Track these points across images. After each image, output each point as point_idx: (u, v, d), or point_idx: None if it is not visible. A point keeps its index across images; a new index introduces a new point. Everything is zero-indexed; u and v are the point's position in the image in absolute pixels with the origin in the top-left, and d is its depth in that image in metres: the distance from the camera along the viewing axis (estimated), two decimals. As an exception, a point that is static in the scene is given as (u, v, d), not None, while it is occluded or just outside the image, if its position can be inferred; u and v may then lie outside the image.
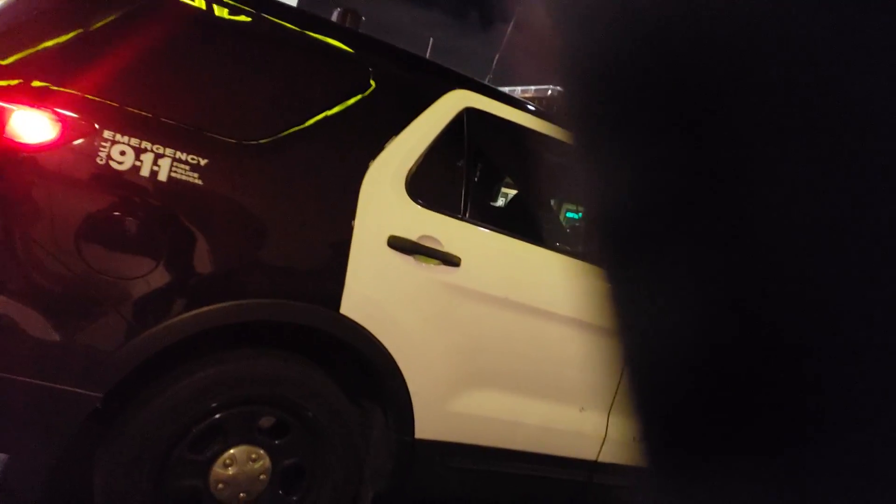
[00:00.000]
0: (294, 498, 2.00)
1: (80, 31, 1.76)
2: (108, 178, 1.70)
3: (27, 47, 1.71)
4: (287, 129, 1.94)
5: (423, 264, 2.05)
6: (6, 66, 1.68)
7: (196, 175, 1.79)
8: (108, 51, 1.78)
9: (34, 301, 1.68)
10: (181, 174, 1.77)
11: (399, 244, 2.02)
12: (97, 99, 1.73)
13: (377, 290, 2.00)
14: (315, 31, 2.09)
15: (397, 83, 2.17)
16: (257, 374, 1.91)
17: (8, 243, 1.65)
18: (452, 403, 2.15)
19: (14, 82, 1.67)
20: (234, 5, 1.95)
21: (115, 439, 1.80)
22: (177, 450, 1.83)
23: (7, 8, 1.90)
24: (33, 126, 1.66)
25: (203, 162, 1.79)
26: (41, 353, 1.68)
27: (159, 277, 1.76)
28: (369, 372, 2.05)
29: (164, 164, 1.75)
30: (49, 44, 1.73)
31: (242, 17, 1.97)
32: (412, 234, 2.04)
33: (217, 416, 1.88)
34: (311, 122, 1.98)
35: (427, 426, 2.11)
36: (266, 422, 1.97)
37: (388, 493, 2.15)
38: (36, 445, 1.77)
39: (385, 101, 2.12)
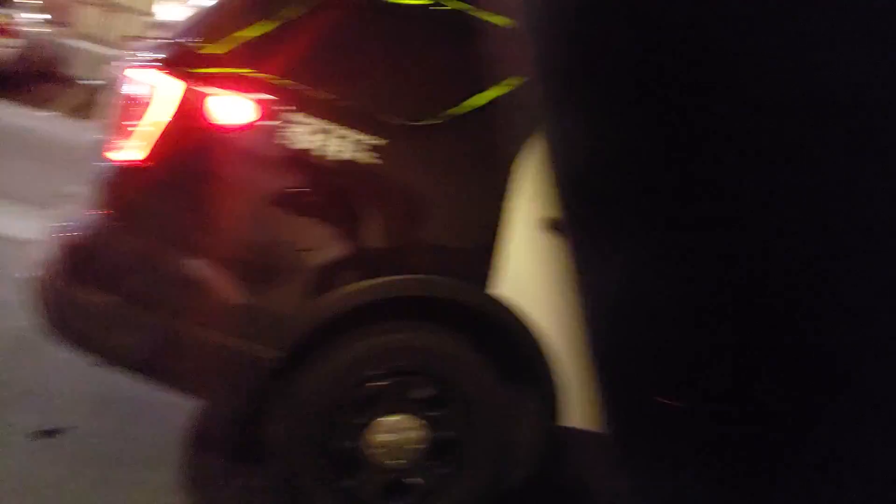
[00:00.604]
0: (444, 471, 2.07)
1: (275, 22, 1.95)
2: (297, 157, 1.87)
3: (232, 37, 1.92)
4: (452, 110, 2.00)
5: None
6: (215, 55, 1.90)
7: (373, 154, 1.90)
8: (298, 39, 1.95)
9: (228, 265, 1.88)
10: (360, 154, 1.90)
11: (551, 225, 2.01)
12: (290, 84, 1.90)
13: (528, 270, 2.01)
14: (481, 10, 2.12)
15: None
16: (413, 347, 2.00)
17: (208, 213, 1.88)
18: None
19: (220, 70, 1.89)
20: None
21: (287, 397, 1.98)
22: (339, 412, 1.97)
23: (216, 5, 2.15)
24: (236, 109, 1.86)
25: (379, 142, 1.91)
26: (233, 314, 1.89)
27: (333, 250, 1.91)
28: (518, 353, 2.06)
29: (347, 144, 1.89)
30: (249, 34, 1.93)
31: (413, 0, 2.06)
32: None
33: (378, 383, 1.99)
34: (473, 102, 2.03)
35: (575, 413, 2.08)
36: (425, 393, 2.05)
37: (532, 478, 2.16)
38: (227, 395, 2.00)
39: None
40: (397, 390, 2.01)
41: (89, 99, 10.33)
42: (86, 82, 11.75)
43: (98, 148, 2.15)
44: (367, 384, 1.99)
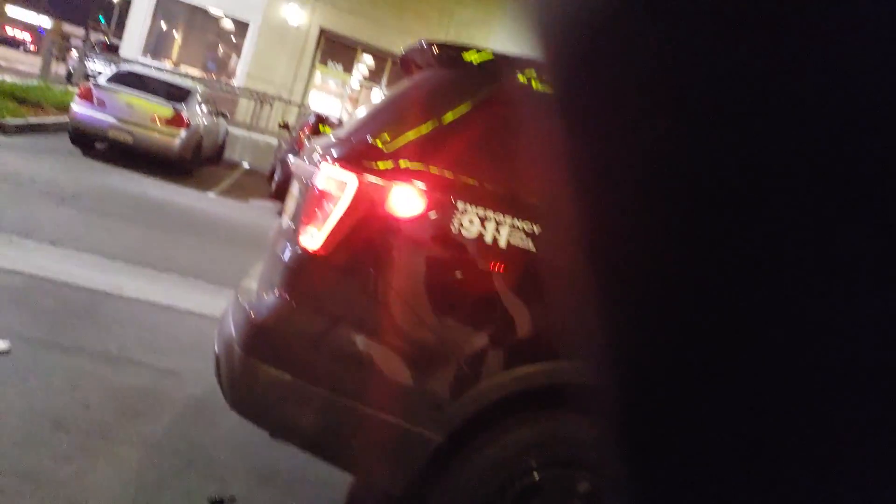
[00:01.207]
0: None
1: (442, 119, 2.07)
2: (463, 245, 1.94)
3: (403, 133, 2.06)
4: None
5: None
6: (389, 151, 2.05)
7: (531, 242, 1.94)
8: (464, 133, 2.06)
9: (397, 349, 1.96)
10: (519, 241, 1.94)
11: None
12: (453, 175, 2.00)
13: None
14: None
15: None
16: (574, 438, 1.96)
17: (380, 298, 1.97)
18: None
19: (395, 165, 2.02)
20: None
21: (446, 483, 1.98)
22: (500, 501, 1.95)
23: (386, 104, 2.33)
24: (407, 200, 1.98)
25: (535, 229, 1.94)
26: (399, 396, 1.95)
27: (497, 335, 1.93)
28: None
29: (505, 232, 1.94)
30: (418, 130, 2.06)
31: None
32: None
33: (536, 475, 1.96)
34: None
35: None
36: (584, 487, 1.99)
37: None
38: (387, 476, 2.04)
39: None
40: (559, 483, 1.96)
41: (247, 181, 11.34)
42: (244, 166, 12.94)
43: (278, 233, 2.35)
44: (527, 476, 1.96)
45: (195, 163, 9.82)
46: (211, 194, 9.05)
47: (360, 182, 1.98)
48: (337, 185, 2.01)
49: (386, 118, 2.22)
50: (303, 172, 2.30)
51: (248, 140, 14.41)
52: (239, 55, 19.68)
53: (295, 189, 2.39)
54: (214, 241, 6.54)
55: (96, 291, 4.01)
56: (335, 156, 2.08)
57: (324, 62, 21.08)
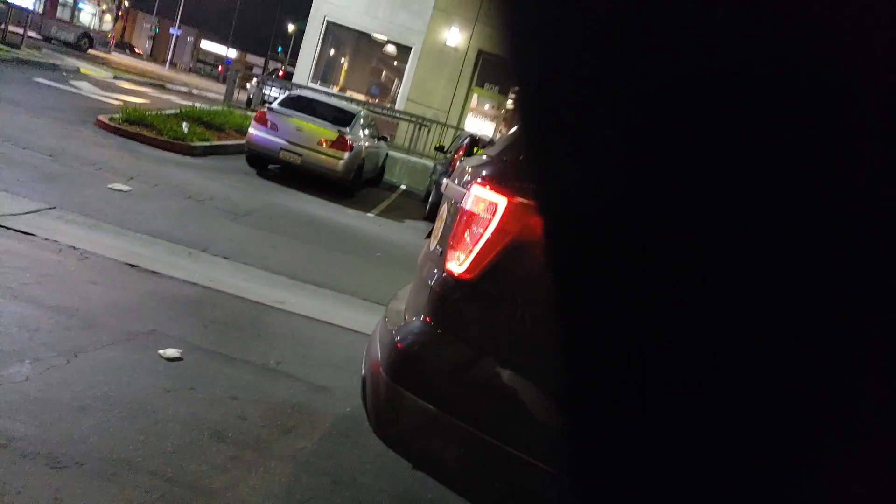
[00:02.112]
0: None
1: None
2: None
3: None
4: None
5: None
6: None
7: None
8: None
9: (544, 384, 1.81)
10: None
11: None
12: None
13: None
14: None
15: None
16: None
17: (532, 331, 1.84)
18: None
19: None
20: None
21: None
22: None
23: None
24: (558, 225, 1.84)
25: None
26: (544, 435, 1.80)
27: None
28: None
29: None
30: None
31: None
32: None
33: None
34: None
35: None
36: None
37: None
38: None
39: None
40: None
41: (404, 203, 11.72)
42: (401, 188, 13.40)
43: (425, 256, 2.29)
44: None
45: (357, 184, 10.29)
46: (370, 214, 9.42)
47: (510, 203, 1.87)
48: (486, 206, 1.91)
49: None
50: (452, 194, 2.23)
51: (406, 163, 14.93)
52: (401, 80, 20.55)
53: (443, 211, 2.33)
54: (371, 259, 6.76)
55: (261, 304, 4.24)
56: (484, 176, 1.99)
57: (480, 84, 21.43)
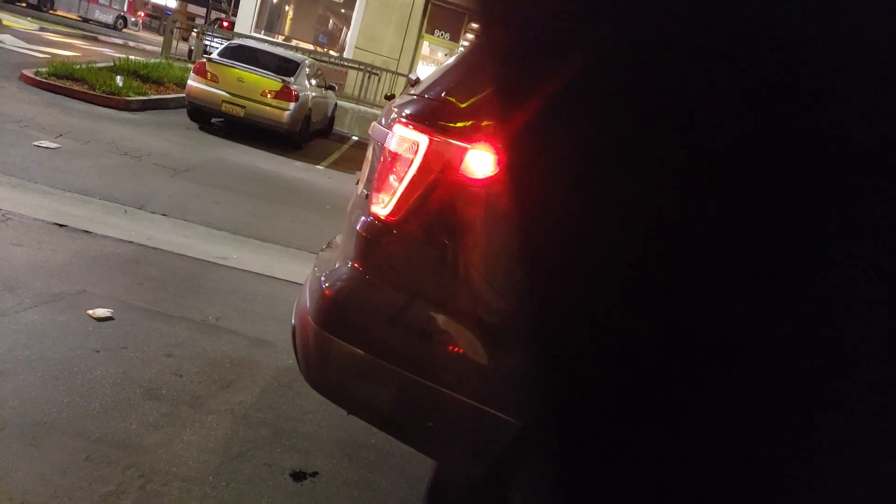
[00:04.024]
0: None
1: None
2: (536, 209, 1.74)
3: (476, 91, 1.87)
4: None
5: None
6: (463, 109, 1.86)
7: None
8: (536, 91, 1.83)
9: (475, 325, 1.79)
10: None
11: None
12: (526, 135, 1.78)
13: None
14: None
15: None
16: None
17: (457, 269, 1.81)
18: None
19: (469, 124, 1.83)
20: None
21: (529, 469, 1.81)
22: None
23: (461, 60, 2.13)
24: (481, 162, 1.79)
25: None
26: (476, 376, 1.79)
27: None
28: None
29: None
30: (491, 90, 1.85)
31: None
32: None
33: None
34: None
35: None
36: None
37: None
38: (465, 460, 1.90)
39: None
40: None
41: (356, 154, 11.51)
42: (352, 138, 13.16)
43: (356, 200, 2.23)
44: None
45: (304, 136, 10.04)
46: (319, 167, 9.22)
47: (433, 142, 1.81)
48: (408, 145, 1.85)
49: (464, 75, 2.03)
50: (376, 135, 2.16)
51: (356, 112, 14.63)
52: (349, 27, 19.97)
53: (369, 153, 2.26)
54: (320, 212, 6.64)
55: (199, 261, 4.13)
56: (406, 115, 1.92)
57: (431, 32, 20.98)
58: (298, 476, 2.28)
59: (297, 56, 10.99)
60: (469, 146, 1.79)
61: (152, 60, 12.81)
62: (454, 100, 1.91)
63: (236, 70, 9.08)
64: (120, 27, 29.71)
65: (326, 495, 2.23)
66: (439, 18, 21.12)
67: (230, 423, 2.48)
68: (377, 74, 16.91)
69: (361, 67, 16.94)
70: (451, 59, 2.31)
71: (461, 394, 1.79)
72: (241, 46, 10.04)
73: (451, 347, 1.81)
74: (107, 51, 16.54)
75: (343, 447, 2.53)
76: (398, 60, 18.96)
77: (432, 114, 1.91)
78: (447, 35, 21.07)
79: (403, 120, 1.92)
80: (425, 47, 21.04)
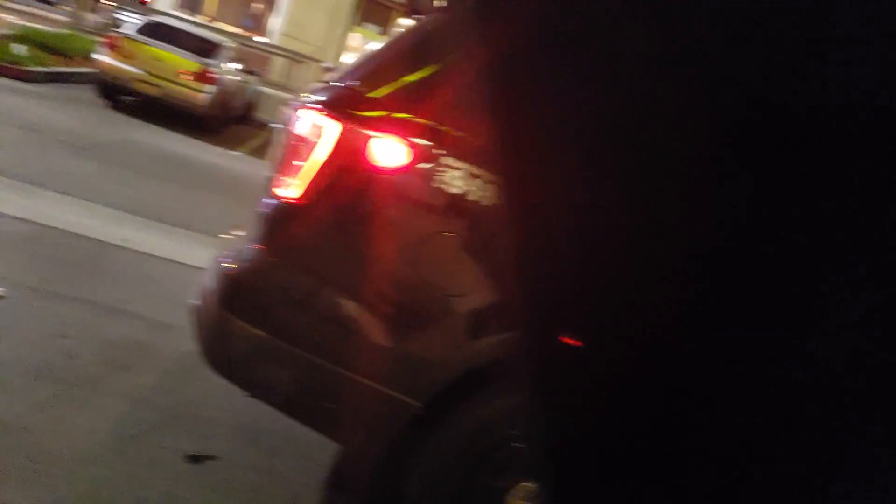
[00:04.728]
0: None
1: (433, 68, 1.91)
2: (449, 201, 1.80)
3: (391, 81, 1.92)
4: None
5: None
6: (373, 98, 1.90)
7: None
8: (454, 85, 1.90)
9: (376, 308, 1.84)
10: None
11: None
12: (444, 128, 1.85)
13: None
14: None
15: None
16: None
17: (360, 254, 1.85)
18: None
19: (379, 113, 1.88)
20: None
21: (428, 449, 1.88)
22: (478, 472, 1.84)
23: (378, 51, 2.18)
24: (391, 151, 1.84)
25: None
26: (377, 357, 1.84)
27: (481, 298, 1.80)
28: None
29: (492, 189, 1.79)
30: (407, 79, 1.91)
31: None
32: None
33: (516, 444, 1.84)
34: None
35: None
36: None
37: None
38: (365, 441, 1.95)
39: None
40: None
41: (274, 141, 11.29)
42: (272, 125, 12.90)
43: (265, 184, 2.23)
44: (509, 444, 1.84)
45: (223, 120, 9.77)
46: (237, 153, 9.00)
47: (342, 129, 1.84)
48: (317, 131, 1.87)
49: (377, 64, 2.07)
50: (287, 120, 2.17)
51: (280, 100, 14.35)
52: (276, 13, 19.54)
53: (279, 137, 2.27)
54: (234, 199, 6.49)
55: (102, 243, 3.98)
56: (316, 101, 1.94)
57: (361, 24, 20.84)
58: (196, 459, 2.26)
59: (219, 38, 10.68)
60: (379, 135, 1.84)
61: (63, 31, 12.14)
62: (367, 90, 1.94)
63: (153, 48, 8.74)
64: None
65: (224, 478, 2.22)
66: (370, 11, 20.98)
67: (126, 405, 2.43)
68: (304, 62, 16.64)
69: (287, 55, 16.63)
70: (369, 50, 2.34)
71: (361, 375, 1.84)
72: (159, 24, 9.67)
73: (351, 330, 1.85)
74: (11, 18, 15.53)
75: (245, 432, 2.52)
76: (326, 50, 18.71)
77: (343, 102, 1.94)
78: (378, 28, 20.97)
79: (314, 106, 1.94)
80: (355, 39, 20.85)
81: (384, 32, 20.81)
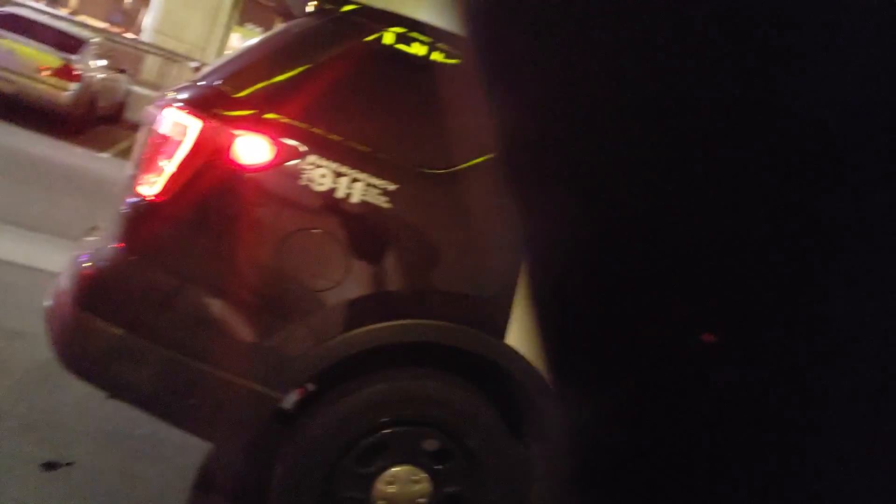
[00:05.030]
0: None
1: (298, 68, 1.98)
2: (312, 199, 1.87)
3: (255, 81, 1.96)
4: (469, 161, 1.98)
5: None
6: (238, 98, 1.94)
7: (385, 199, 1.89)
8: (319, 85, 1.98)
9: (238, 304, 1.87)
10: (372, 198, 1.88)
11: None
12: (309, 128, 1.91)
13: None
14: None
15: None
16: (424, 396, 1.94)
17: (221, 251, 1.88)
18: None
19: (242, 112, 1.92)
20: (426, 41, 2.05)
21: (292, 442, 1.93)
22: (345, 460, 1.91)
23: (244, 51, 2.21)
24: (254, 150, 1.88)
25: (392, 187, 1.89)
26: (240, 353, 1.87)
27: (343, 292, 1.88)
28: (532, 407, 1.98)
29: (358, 187, 1.88)
30: (272, 79, 1.96)
31: (435, 56, 2.06)
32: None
33: (384, 432, 1.93)
34: (492, 154, 2.00)
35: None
36: (431, 445, 1.98)
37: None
38: (230, 436, 1.97)
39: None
40: (407, 441, 1.95)
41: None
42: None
43: (126, 183, 2.20)
44: (375, 433, 1.93)
45: (89, 120, 9.22)
46: (104, 154, 8.53)
47: (204, 127, 1.87)
48: (180, 130, 1.89)
49: (243, 65, 2.11)
50: (149, 118, 2.16)
51: (153, 100, 13.70)
52: (149, 10, 18.63)
53: (141, 136, 2.24)
54: (96, 202, 6.16)
55: (-54, 247, 3.69)
56: (179, 99, 1.95)
57: (241, 24, 20.29)
58: (51, 466, 2.18)
59: (84, 33, 10.07)
60: (242, 134, 1.88)
61: None
62: (231, 89, 1.98)
63: (7, 41, 8.12)
64: None
65: (82, 483, 2.16)
66: (251, 12, 20.45)
67: (-28, 416, 2.29)
68: (179, 62, 15.97)
69: (160, 53, 15.90)
70: (237, 50, 2.36)
71: (224, 371, 1.86)
72: (15, 16, 8.99)
73: (213, 326, 1.87)
74: None
75: (106, 438, 2.45)
76: (205, 50, 18.05)
77: (206, 100, 1.96)
78: (259, 28, 20.48)
79: (177, 104, 1.95)
80: (235, 39, 20.26)
81: (266, 33, 20.36)
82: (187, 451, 2.53)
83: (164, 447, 2.52)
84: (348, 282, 1.89)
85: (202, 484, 2.39)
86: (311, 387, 2.02)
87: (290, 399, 2.03)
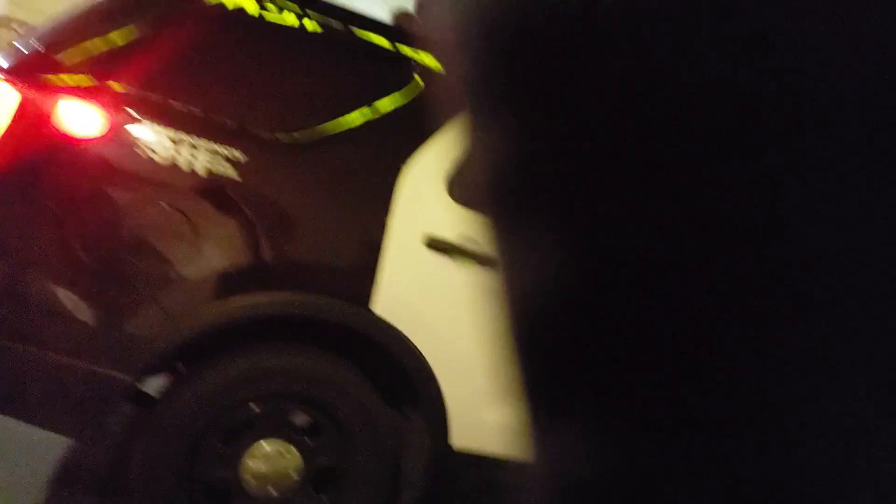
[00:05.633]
0: (324, 498, 1.96)
1: (129, 33, 1.84)
2: (149, 168, 1.77)
3: (83, 46, 1.81)
4: (323, 127, 1.93)
5: (461, 266, 1.98)
6: (63, 63, 1.79)
7: (233, 169, 1.81)
8: (154, 50, 1.85)
9: (77, 283, 1.75)
10: (218, 167, 1.80)
11: (436, 244, 1.96)
12: (143, 94, 1.80)
13: (411, 290, 1.95)
14: (357, 28, 2.07)
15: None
16: (288, 370, 1.90)
17: (56, 230, 1.74)
18: (493, 412, 2.05)
19: (68, 78, 1.77)
20: (278, 4, 1.97)
21: (150, 425, 1.84)
22: (208, 439, 1.85)
23: (74, 14, 2.04)
24: (84, 119, 1.75)
25: (240, 156, 1.82)
26: (81, 335, 1.75)
27: (193, 268, 1.79)
28: (402, 376, 1.99)
29: (202, 156, 1.79)
30: (102, 44, 1.82)
31: (285, 16, 1.98)
32: (450, 234, 1.97)
33: (249, 408, 1.88)
34: (349, 119, 1.96)
35: (465, 435, 2.01)
36: (301, 420, 1.95)
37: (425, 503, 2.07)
38: (81, 426, 1.85)
39: (427, 98, 2.07)
40: (273, 416, 1.91)
41: None
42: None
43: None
44: (239, 409, 1.88)
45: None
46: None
47: (25, 97, 1.71)
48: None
49: (69, 28, 1.93)
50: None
51: None
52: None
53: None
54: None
55: None
56: (2, 68, 1.78)
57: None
58: None
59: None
60: (69, 102, 1.74)
61: None
62: (59, 53, 1.82)
63: None
64: None
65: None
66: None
67: None
68: (7, 26, 14.68)
69: (13, 27, 14.56)
70: (66, 10, 2.17)
71: (65, 356, 1.75)
72: None
73: (51, 310, 1.74)
74: None
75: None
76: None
77: (28, 66, 1.80)
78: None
79: (-5, 72, 1.77)
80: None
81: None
82: (47, 444, 2.37)
83: (23, 444, 2.34)
84: (198, 257, 1.80)
85: (63, 478, 2.25)
86: (182, 369, 1.93)
87: (156, 383, 1.94)
